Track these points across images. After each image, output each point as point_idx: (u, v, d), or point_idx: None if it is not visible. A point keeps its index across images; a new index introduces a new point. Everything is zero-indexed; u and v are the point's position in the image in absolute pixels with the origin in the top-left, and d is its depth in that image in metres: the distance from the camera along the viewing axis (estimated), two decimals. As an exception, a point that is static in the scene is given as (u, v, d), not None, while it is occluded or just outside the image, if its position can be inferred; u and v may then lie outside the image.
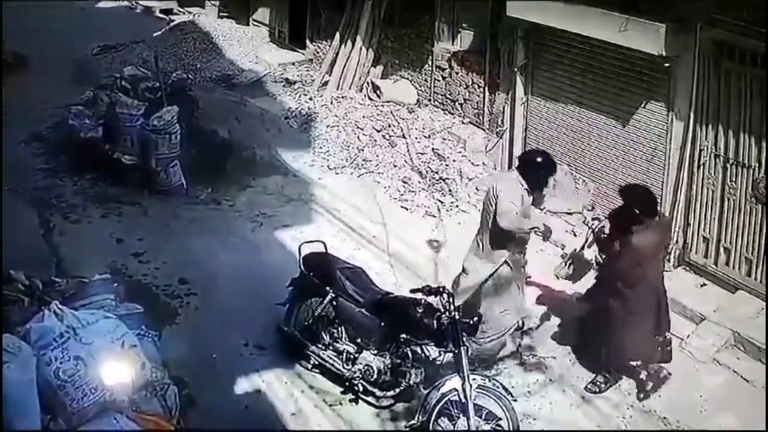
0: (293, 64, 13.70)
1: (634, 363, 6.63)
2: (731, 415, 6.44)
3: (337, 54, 12.54)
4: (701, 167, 7.78)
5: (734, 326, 7.17)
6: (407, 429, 6.07)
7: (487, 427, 5.82)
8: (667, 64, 7.80)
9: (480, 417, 5.81)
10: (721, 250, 7.69)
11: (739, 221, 7.52)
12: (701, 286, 7.70)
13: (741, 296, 7.50)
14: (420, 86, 11.78)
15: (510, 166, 10.14)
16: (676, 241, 7.96)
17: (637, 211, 6.26)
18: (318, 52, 13.63)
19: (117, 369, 5.28)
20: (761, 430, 5.97)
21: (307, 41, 13.97)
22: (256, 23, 15.54)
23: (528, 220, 6.64)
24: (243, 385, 6.60)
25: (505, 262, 6.68)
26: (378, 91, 11.91)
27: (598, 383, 6.63)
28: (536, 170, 6.69)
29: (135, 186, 9.76)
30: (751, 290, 7.47)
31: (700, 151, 7.75)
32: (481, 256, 6.75)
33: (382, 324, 6.43)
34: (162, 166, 9.73)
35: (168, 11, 16.80)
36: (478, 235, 6.82)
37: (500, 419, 5.85)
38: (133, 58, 13.48)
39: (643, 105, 8.36)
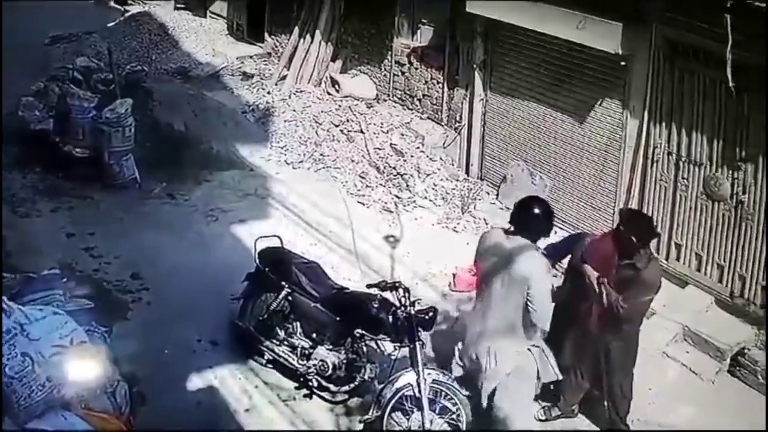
0: (251, 57, 13.55)
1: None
2: (681, 408, 6.57)
3: (295, 48, 12.45)
4: (654, 164, 7.89)
5: (684, 320, 7.30)
6: (361, 424, 6.07)
7: (441, 422, 5.83)
8: (623, 63, 7.89)
9: (434, 411, 5.82)
10: (672, 245, 7.81)
11: (691, 218, 7.64)
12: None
13: (691, 291, 7.64)
14: (379, 81, 11.76)
15: (468, 163, 10.18)
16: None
17: (636, 239, 5.65)
18: (276, 46, 13.51)
19: (65, 366, 5.16)
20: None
21: (266, 35, 13.84)
22: (213, 15, 15.35)
23: None
24: (196, 382, 6.53)
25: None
26: (337, 86, 11.86)
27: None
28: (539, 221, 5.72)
29: (87, 179, 9.57)
30: (700, 285, 7.61)
31: (654, 148, 7.85)
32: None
33: (338, 319, 6.41)
34: (115, 159, 9.57)
35: (122, 1, 16.50)
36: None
37: (454, 414, 5.87)
38: (86, 49, 13.22)
39: (599, 102, 8.45)
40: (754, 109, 6.92)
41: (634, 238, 5.66)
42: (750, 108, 6.95)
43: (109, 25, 15.09)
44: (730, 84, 6.54)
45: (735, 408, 6.65)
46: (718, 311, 7.45)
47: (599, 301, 5.78)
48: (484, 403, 5.80)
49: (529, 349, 5.75)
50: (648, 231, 5.90)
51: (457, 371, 6.02)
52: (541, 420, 6.40)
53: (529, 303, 5.49)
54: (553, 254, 6.25)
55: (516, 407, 5.78)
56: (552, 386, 6.34)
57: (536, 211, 5.67)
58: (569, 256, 6.31)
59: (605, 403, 6.29)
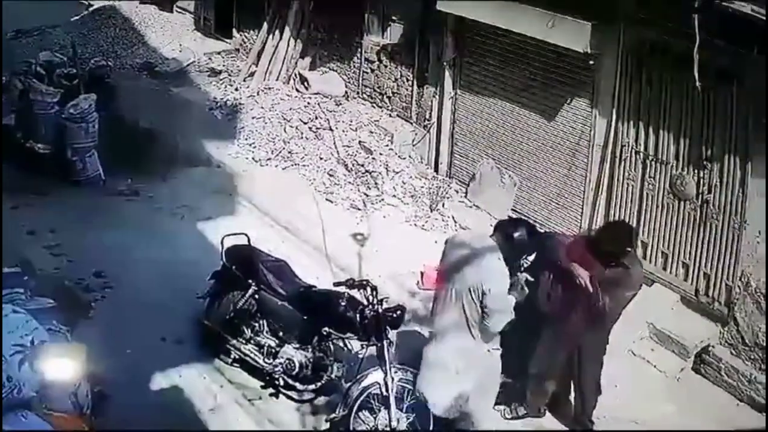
0: (219, 53, 13.38)
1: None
2: (646, 405, 6.62)
3: (264, 44, 12.33)
4: (622, 163, 7.93)
5: (649, 318, 7.35)
6: (328, 423, 6.02)
7: (409, 420, 5.81)
8: (591, 62, 7.92)
9: (401, 410, 5.80)
10: (639, 244, 7.85)
11: (657, 216, 7.69)
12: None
13: (657, 289, 7.68)
14: (348, 79, 11.69)
15: (437, 161, 10.18)
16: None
17: (627, 247, 5.79)
18: (245, 42, 13.37)
19: (26, 365, 5.04)
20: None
21: (234, 30, 13.69)
22: (180, 10, 15.13)
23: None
24: (159, 381, 6.43)
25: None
26: (305, 83, 11.77)
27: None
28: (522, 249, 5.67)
29: (49, 176, 9.43)
30: (666, 283, 7.66)
31: (622, 147, 7.90)
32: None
33: (305, 318, 6.35)
34: (78, 155, 9.46)
35: (87, -5, 16.22)
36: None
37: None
38: (49, 44, 12.97)
39: (568, 101, 8.47)
40: (720, 109, 6.98)
41: (628, 248, 5.73)
42: (716, 108, 7.01)
43: (73, 19, 14.82)
44: (697, 84, 6.59)
45: (699, 405, 6.73)
46: (683, 309, 7.51)
47: (591, 299, 5.75)
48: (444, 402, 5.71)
49: (489, 351, 5.69)
50: (631, 235, 6.01)
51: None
52: (507, 419, 6.40)
53: (484, 309, 5.44)
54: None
55: (484, 408, 5.77)
56: (518, 386, 6.36)
57: (520, 234, 5.56)
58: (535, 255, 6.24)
59: (572, 401, 6.31)
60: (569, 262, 5.85)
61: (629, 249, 5.80)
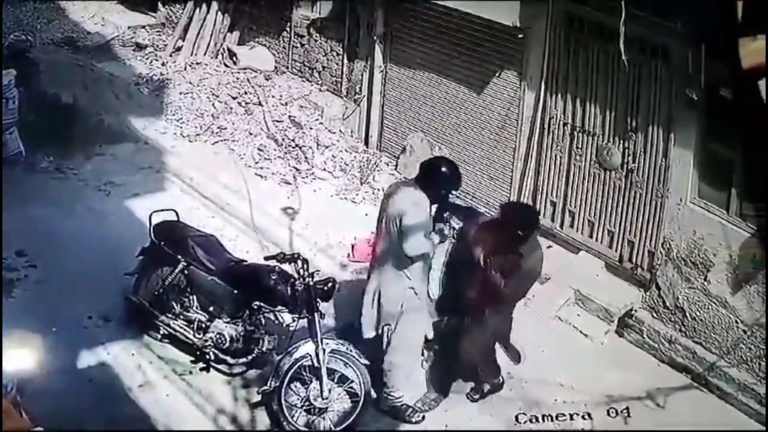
0: (144, 27, 12.98)
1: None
2: (572, 369, 6.80)
3: (191, 18, 12.03)
4: (550, 135, 8.06)
5: (576, 285, 7.54)
6: (260, 395, 6.02)
7: (340, 390, 5.87)
8: (521, 35, 8.00)
9: (333, 380, 5.85)
10: (567, 213, 8.03)
11: (583, 186, 7.86)
12: (548, 248, 7.97)
13: (583, 257, 7.89)
14: (278, 53, 11.55)
15: (367, 135, 10.18)
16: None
17: (521, 233, 5.83)
18: (171, 16, 13.02)
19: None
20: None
21: (159, 4, 13.31)
22: (103, -17, 14.64)
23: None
24: (87, 359, 6.34)
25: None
26: (234, 58, 11.57)
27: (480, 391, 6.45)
28: (440, 182, 5.91)
29: (-33, 154, 9.02)
30: (592, 251, 7.86)
31: (550, 119, 8.02)
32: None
33: (235, 292, 6.33)
34: (-2, 132, 9.07)
35: (5, -33, 15.53)
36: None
37: (353, 382, 5.91)
38: (-37, 17, 12.40)
39: (497, 74, 8.54)
40: (645, 82, 7.14)
41: (520, 231, 5.82)
42: (641, 80, 7.16)
43: (-11, -9, 14.20)
44: (623, 57, 6.73)
45: (623, 367, 6.96)
46: (608, 275, 7.73)
47: (481, 278, 5.89)
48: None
49: (414, 290, 5.87)
50: (532, 222, 6.09)
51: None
52: (474, 400, 6.41)
53: (401, 234, 5.67)
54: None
55: (408, 358, 5.95)
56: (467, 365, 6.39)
57: (440, 169, 5.92)
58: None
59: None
60: (477, 240, 5.98)
61: (523, 233, 5.82)
